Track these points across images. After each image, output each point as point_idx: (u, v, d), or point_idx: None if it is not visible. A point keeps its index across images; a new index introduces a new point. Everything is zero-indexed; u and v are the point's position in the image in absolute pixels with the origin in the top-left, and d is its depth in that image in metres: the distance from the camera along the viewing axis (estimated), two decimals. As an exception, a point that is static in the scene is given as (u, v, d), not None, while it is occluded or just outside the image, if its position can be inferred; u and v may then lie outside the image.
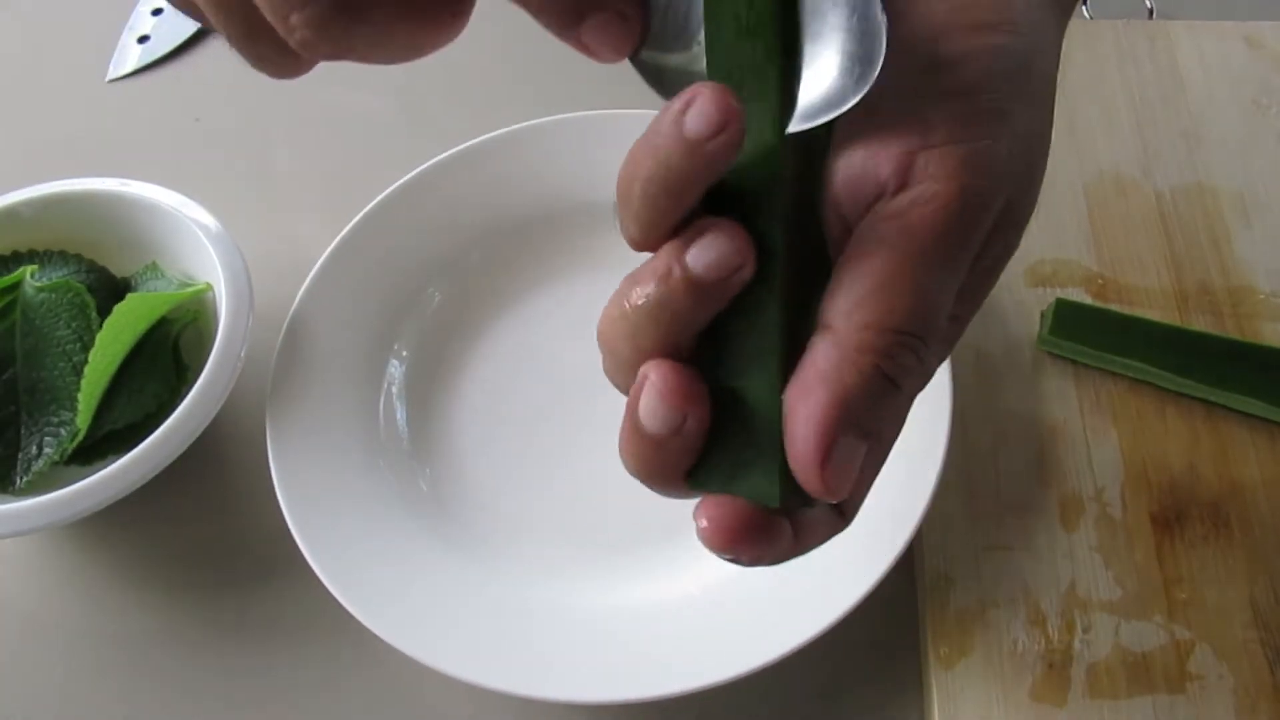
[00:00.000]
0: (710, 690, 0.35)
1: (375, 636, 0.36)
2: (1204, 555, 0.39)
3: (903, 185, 0.22)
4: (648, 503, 0.41)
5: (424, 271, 0.46)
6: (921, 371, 0.23)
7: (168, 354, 0.42)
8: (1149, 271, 0.46)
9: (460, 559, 0.40)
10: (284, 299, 0.43)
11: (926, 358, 0.22)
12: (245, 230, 0.44)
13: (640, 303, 0.22)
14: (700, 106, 0.20)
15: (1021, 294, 0.45)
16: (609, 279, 0.51)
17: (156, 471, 0.38)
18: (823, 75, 0.22)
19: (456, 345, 0.45)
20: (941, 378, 0.40)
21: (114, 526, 0.43)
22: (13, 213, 0.44)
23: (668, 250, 0.22)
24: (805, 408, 0.21)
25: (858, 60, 0.22)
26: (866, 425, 0.22)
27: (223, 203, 0.45)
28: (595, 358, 0.49)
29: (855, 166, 0.23)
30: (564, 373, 0.44)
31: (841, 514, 0.26)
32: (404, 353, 0.45)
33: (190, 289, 0.43)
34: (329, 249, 0.44)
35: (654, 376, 0.22)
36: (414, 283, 0.46)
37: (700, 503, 0.23)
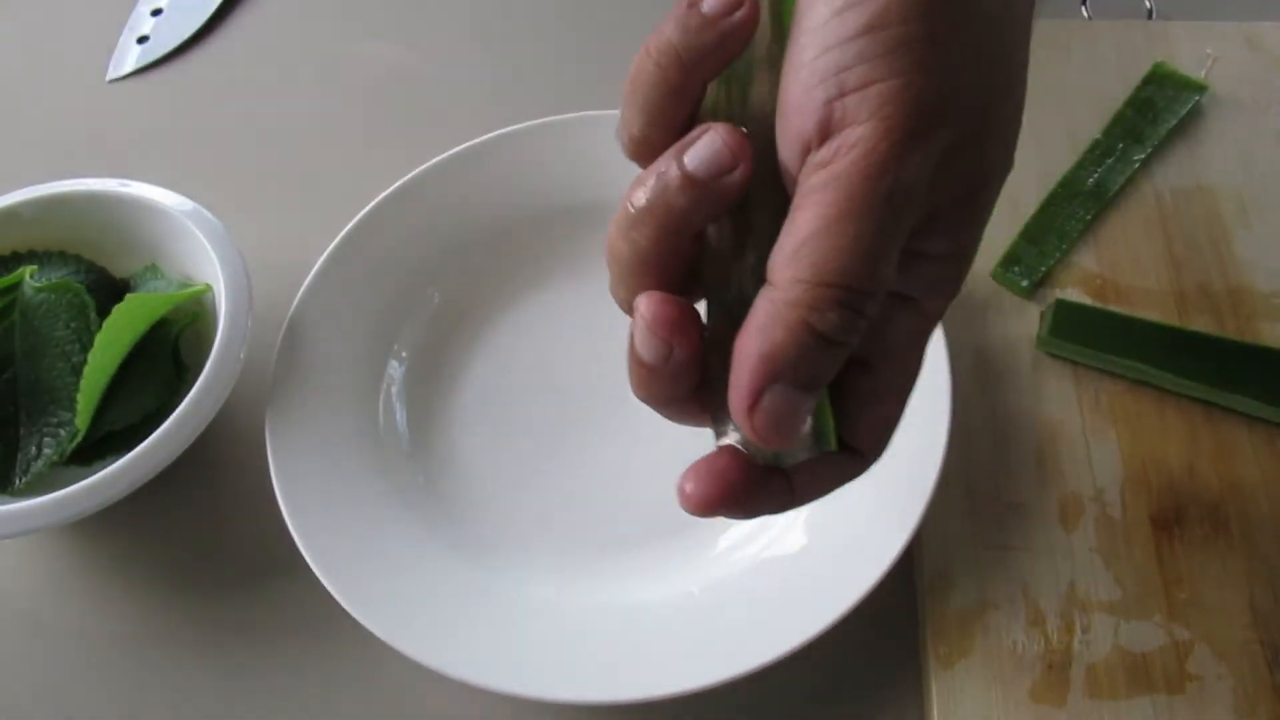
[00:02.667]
0: (710, 690, 0.35)
1: (375, 637, 0.36)
2: (1203, 556, 0.39)
3: (826, 136, 0.22)
4: (647, 503, 0.41)
5: (424, 271, 0.46)
6: (865, 324, 0.22)
7: (168, 354, 0.43)
8: (1149, 272, 0.46)
9: (460, 559, 0.40)
10: (284, 299, 0.43)
11: (870, 308, 0.22)
12: (245, 230, 0.44)
13: (640, 202, 0.23)
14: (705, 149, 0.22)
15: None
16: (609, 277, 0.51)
17: (156, 472, 0.38)
18: None
19: (456, 345, 0.45)
20: (941, 378, 0.40)
21: (114, 527, 0.43)
22: (13, 213, 0.44)
23: (667, 153, 0.23)
24: (739, 359, 0.22)
25: None
26: (801, 377, 0.22)
27: (223, 203, 0.45)
28: (595, 358, 0.49)
29: (789, 127, 0.22)
30: (564, 373, 0.44)
31: (861, 455, 0.25)
32: (404, 353, 0.45)
33: (190, 289, 0.43)
34: (329, 249, 0.44)
35: (643, 307, 0.23)
36: (414, 283, 0.46)
37: (684, 473, 0.24)
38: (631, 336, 0.24)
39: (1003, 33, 0.23)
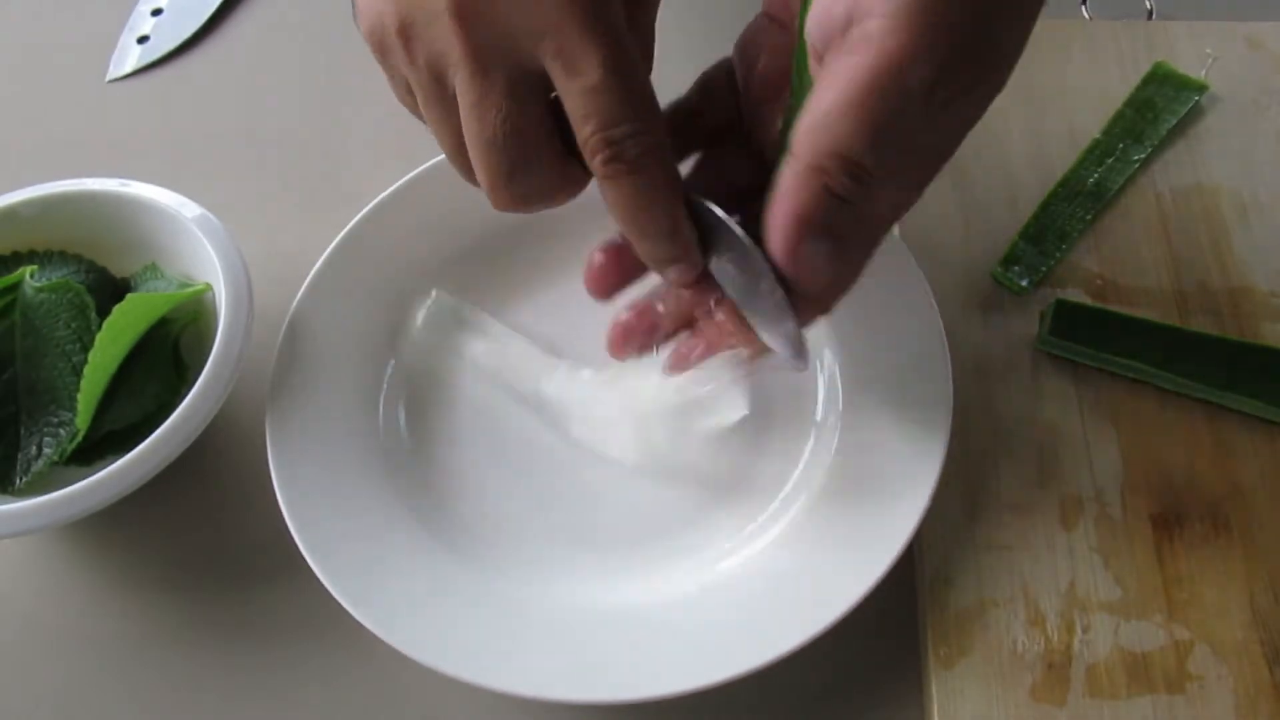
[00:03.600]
0: (710, 690, 0.35)
1: (375, 637, 0.36)
2: (1203, 555, 0.39)
3: (848, 26, 0.25)
4: (647, 503, 0.41)
5: (424, 272, 0.46)
6: (867, 197, 0.27)
7: (168, 354, 0.43)
8: (1149, 272, 0.46)
9: (460, 559, 0.40)
10: (284, 299, 0.43)
11: (873, 187, 0.27)
12: (245, 230, 0.44)
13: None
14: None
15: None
16: (609, 279, 0.50)
17: (156, 472, 0.38)
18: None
19: (457, 345, 0.45)
20: (941, 377, 0.40)
21: (114, 527, 0.43)
22: (13, 213, 0.44)
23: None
24: (775, 219, 0.28)
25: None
26: (827, 230, 0.28)
27: (223, 203, 0.45)
28: (595, 358, 0.49)
29: (821, 9, 0.26)
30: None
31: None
32: (404, 352, 0.45)
33: (190, 289, 0.43)
34: (329, 249, 0.44)
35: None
36: (414, 283, 0.46)
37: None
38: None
39: None
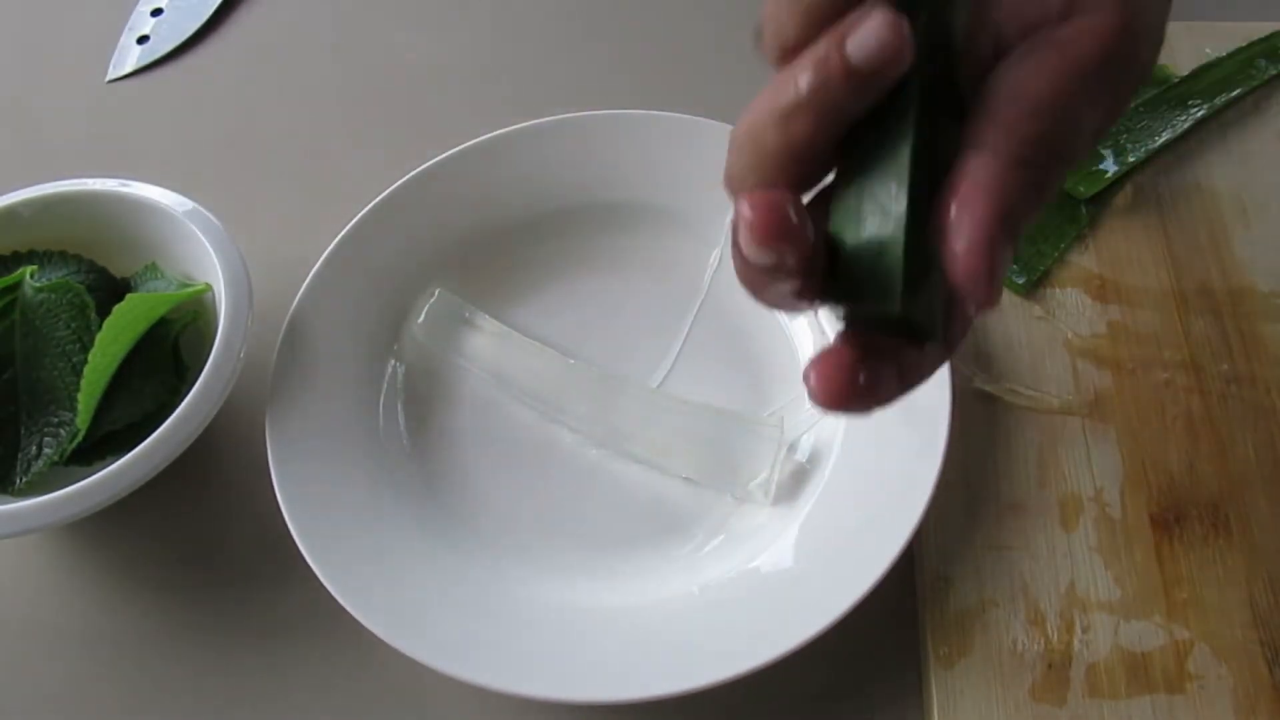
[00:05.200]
0: (710, 690, 0.35)
1: (375, 636, 0.36)
2: (1203, 555, 0.39)
3: (1068, 14, 0.24)
4: (648, 503, 0.41)
5: (424, 271, 0.46)
6: (1059, 188, 0.24)
7: (168, 354, 0.43)
8: (1149, 272, 0.46)
9: (460, 558, 0.40)
10: (284, 299, 0.43)
11: (1065, 176, 0.24)
12: (245, 230, 0.44)
13: (802, 92, 0.22)
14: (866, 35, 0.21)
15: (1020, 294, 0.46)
16: (609, 279, 0.51)
17: (156, 471, 0.38)
18: None
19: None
20: (940, 377, 0.40)
21: (114, 526, 0.43)
22: (13, 213, 0.44)
23: (826, 40, 0.22)
24: (969, 218, 0.22)
25: None
26: (1016, 231, 0.23)
27: (223, 203, 0.45)
28: (594, 357, 0.49)
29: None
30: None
31: (948, 346, 0.26)
32: (404, 353, 0.45)
33: (190, 289, 0.43)
34: (329, 249, 0.44)
35: (748, 212, 0.22)
36: (414, 283, 0.46)
37: (809, 364, 0.24)
38: (736, 237, 0.22)
39: None
